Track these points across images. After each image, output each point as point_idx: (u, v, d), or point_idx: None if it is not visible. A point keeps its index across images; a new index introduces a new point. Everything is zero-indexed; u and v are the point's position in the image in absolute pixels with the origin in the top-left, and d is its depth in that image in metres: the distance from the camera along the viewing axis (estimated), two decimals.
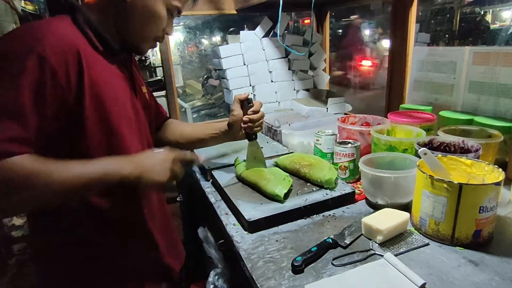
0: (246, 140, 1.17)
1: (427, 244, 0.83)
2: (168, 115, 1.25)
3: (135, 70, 0.94)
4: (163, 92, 2.57)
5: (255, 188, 1.07)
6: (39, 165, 0.65)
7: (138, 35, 0.83)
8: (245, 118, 1.11)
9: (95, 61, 0.75)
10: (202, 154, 1.02)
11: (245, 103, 1.12)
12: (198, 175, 1.34)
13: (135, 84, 0.91)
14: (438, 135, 1.14)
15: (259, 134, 1.37)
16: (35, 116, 0.65)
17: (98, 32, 0.77)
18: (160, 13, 0.81)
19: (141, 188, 0.85)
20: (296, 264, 0.76)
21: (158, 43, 0.90)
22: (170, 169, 0.82)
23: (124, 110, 0.83)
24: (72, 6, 0.77)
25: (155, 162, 0.80)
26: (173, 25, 0.90)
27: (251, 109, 1.11)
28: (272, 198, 1.00)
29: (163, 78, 2.02)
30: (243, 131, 1.15)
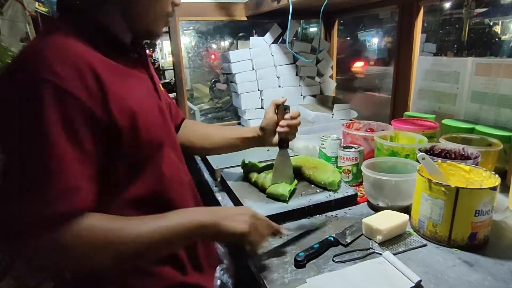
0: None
1: (425, 245, 0.86)
2: None
3: (151, 68, 0.86)
4: (172, 95, 2.64)
5: (261, 188, 1.12)
6: (111, 221, 0.61)
7: (150, 16, 0.73)
8: (282, 122, 1.04)
9: (113, 73, 0.65)
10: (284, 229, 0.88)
11: (281, 108, 1.06)
12: (206, 175, 1.39)
13: (155, 84, 0.83)
14: (439, 142, 1.18)
15: None
16: (76, 158, 0.57)
17: (106, 32, 0.69)
18: None
19: (220, 239, 0.81)
20: (298, 259, 0.80)
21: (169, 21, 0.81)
22: (250, 222, 0.74)
23: (152, 117, 0.74)
24: (73, 11, 0.68)
25: (233, 212, 0.75)
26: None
27: (289, 115, 1.04)
28: (277, 198, 1.05)
29: (171, 81, 2.08)
30: (276, 137, 1.09)
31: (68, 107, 0.56)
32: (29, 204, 0.53)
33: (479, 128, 1.27)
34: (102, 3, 0.68)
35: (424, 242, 0.87)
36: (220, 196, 1.19)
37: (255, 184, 1.16)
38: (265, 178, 1.12)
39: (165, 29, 0.85)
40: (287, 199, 1.03)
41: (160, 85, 0.90)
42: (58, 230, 0.54)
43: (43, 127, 0.54)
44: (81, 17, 0.67)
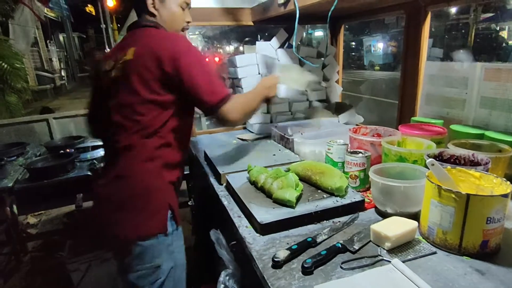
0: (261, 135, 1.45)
1: (435, 253, 0.85)
2: None
3: None
4: None
5: (268, 194, 1.11)
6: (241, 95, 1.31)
7: (174, 30, 1.23)
8: None
9: None
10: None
11: None
12: (212, 179, 1.38)
13: None
14: (448, 148, 1.16)
15: (271, 142, 1.47)
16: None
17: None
18: (179, 12, 1.22)
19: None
20: (306, 265, 0.79)
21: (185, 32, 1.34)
22: (274, 83, 1.35)
23: None
24: (154, 24, 1.19)
25: (270, 84, 1.34)
26: (191, 30, 1.20)
27: None
28: (284, 203, 1.04)
29: None
30: None
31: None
32: (222, 84, 1.16)
33: (488, 133, 1.25)
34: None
35: (434, 249, 0.86)
36: (226, 201, 1.19)
37: (261, 189, 1.15)
38: (272, 183, 1.11)
39: None
40: (294, 205, 1.03)
41: None
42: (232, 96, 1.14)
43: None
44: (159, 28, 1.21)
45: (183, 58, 1.06)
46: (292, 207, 1.03)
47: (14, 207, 1.81)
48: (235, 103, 1.12)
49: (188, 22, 1.26)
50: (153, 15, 1.18)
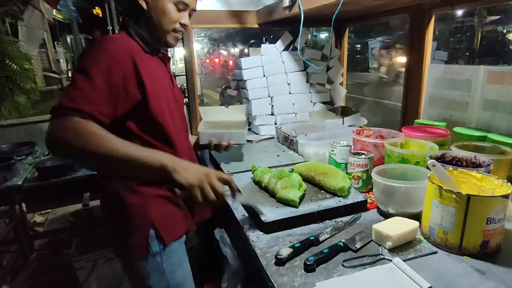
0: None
1: (435, 252, 0.86)
2: (188, 122, 1.43)
3: (169, 66, 1.21)
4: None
5: (272, 193, 1.13)
6: (101, 129, 0.84)
7: (160, 30, 1.06)
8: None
9: (144, 57, 1.02)
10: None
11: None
12: None
13: (171, 75, 1.18)
14: (451, 150, 1.18)
15: (275, 143, 1.45)
16: (106, 92, 0.88)
17: (144, 39, 1.05)
18: (169, 9, 1.04)
19: (171, 183, 0.89)
20: (308, 263, 0.81)
21: (180, 35, 1.12)
22: (204, 180, 0.87)
23: (165, 90, 1.08)
24: (125, 25, 1.07)
25: (192, 166, 0.89)
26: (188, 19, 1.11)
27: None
28: (288, 203, 1.06)
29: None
30: None
31: (112, 65, 0.90)
32: (75, 96, 0.85)
33: (491, 136, 1.26)
34: (137, 20, 1.07)
35: (435, 249, 0.87)
36: (231, 200, 1.21)
37: (265, 189, 1.17)
38: (276, 183, 1.13)
39: None
40: (297, 204, 1.04)
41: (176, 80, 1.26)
42: (75, 116, 0.82)
43: (96, 68, 0.89)
44: (129, 29, 1.05)
45: (82, 56, 0.93)
46: (295, 206, 1.04)
47: (23, 205, 1.85)
48: (78, 123, 0.82)
49: (184, 26, 1.08)
50: (140, 9, 1.03)
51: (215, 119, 1.66)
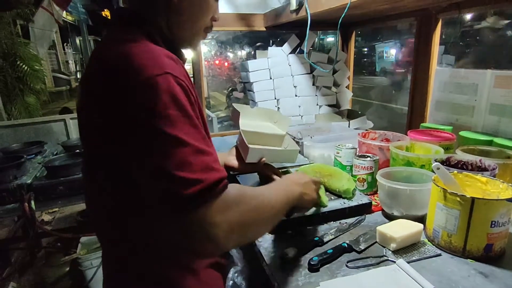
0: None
1: (439, 255, 0.86)
2: None
3: None
4: None
5: None
6: (251, 193, 0.68)
7: (190, 29, 0.79)
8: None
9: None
10: None
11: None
12: None
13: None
14: (456, 153, 1.18)
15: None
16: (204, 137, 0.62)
17: (170, 42, 0.76)
18: (209, 1, 0.78)
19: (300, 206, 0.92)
20: (312, 263, 0.82)
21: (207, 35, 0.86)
22: (316, 189, 0.94)
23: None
24: (139, 17, 0.73)
25: (305, 181, 0.91)
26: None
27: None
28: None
29: None
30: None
31: (185, 91, 0.61)
32: (192, 173, 0.57)
33: (497, 140, 1.26)
34: (155, 15, 0.74)
35: (439, 252, 0.87)
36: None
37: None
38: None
39: None
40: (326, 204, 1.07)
41: None
42: (216, 197, 0.58)
43: (186, 109, 0.59)
44: (144, 29, 0.71)
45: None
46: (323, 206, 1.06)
47: (32, 202, 1.88)
48: (234, 206, 0.61)
49: (214, 20, 0.83)
50: (167, 2, 0.72)
51: (253, 129, 1.21)
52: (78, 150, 2.29)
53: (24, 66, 4.68)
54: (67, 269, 2.50)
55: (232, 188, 0.62)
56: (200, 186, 0.56)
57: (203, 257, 0.76)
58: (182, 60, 0.82)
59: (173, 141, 0.57)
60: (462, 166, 1.11)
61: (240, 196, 0.63)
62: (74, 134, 2.76)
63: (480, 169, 1.07)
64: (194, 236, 0.59)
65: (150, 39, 0.69)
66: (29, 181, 1.89)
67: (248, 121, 1.27)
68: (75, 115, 2.86)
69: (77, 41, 15.52)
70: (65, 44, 12.97)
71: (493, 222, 0.80)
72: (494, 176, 0.98)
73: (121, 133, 0.60)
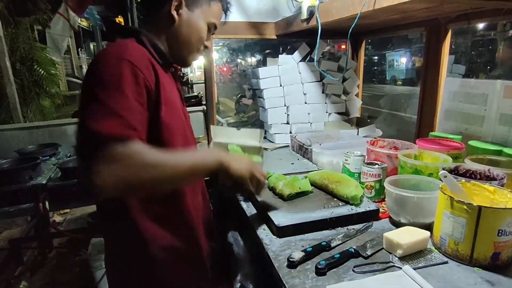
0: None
1: (446, 262, 0.87)
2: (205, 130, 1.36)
3: (179, 83, 1.11)
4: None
5: (287, 198, 1.16)
6: (153, 150, 0.76)
7: (186, 49, 0.99)
8: None
9: (160, 70, 0.90)
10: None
11: None
12: None
13: (181, 93, 1.07)
14: (465, 163, 1.18)
15: (290, 151, 1.42)
16: (138, 109, 0.78)
17: (158, 50, 0.94)
18: (202, 29, 0.98)
19: (225, 178, 0.91)
20: (319, 267, 0.83)
21: (201, 56, 1.07)
22: (251, 170, 0.94)
23: (178, 111, 0.97)
24: (136, 31, 0.93)
25: (240, 158, 0.95)
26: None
27: None
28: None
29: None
30: None
31: (137, 77, 0.78)
32: (108, 124, 0.71)
33: (507, 150, 1.26)
34: (157, 32, 0.96)
35: (445, 259, 0.88)
36: (245, 205, 1.25)
37: (279, 195, 1.20)
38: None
39: None
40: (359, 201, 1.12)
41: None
42: (123, 145, 0.71)
43: (123, 84, 0.76)
44: (143, 38, 0.92)
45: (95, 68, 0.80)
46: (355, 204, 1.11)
47: (46, 203, 1.93)
48: (128, 159, 0.72)
49: (206, 48, 1.03)
50: (169, 21, 0.93)
51: (226, 140, 1.52)
52: None
53: (40, 70, 4.82)
54: (77, 269, 2.54)
55: (130, 145, 0.72)
56: (96, 136, 0.70)
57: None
58: (171, 68, 1.01)
59: (96, 100, 0.73)
60: (470, 175, 1.12)
61: (130, 153, 0.72)
62: None
63: (489, 178, 1.08)
64: (86, 178, 0.70)
65: (140, 43, 0.89)
66: (44, 182, 1.95)
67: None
68: None
69: (91, 46, 15.86)
70: (79, 49, 13.28)
71: (500, 231, 0.81)
72: (502, 186, 0.99)
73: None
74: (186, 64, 1.04)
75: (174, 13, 0.93)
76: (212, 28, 1.02)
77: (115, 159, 0.70)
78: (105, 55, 0.81)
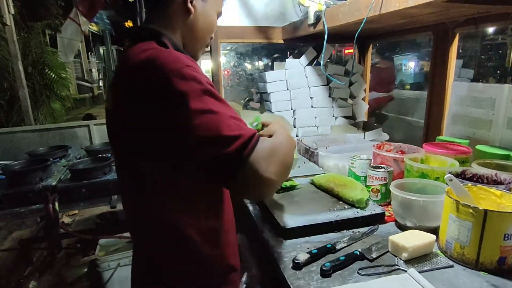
0: None
1: (452, 266, 0.87)
2: None
3: None
4: None
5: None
6: (272, 139, 0.79)
7: (199, 42, 0.93)
8: None
9: None
10: None
11: None
12: None
13: None
14: (472, 167, 1.18)
15: (296, 154, 1.43)
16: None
17: (179, 50, 0.83)
18: (215, 19, 0.94)
19: None
20: (324, 269, 0.84)
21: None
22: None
23: None
24: (157, 32, 0.83)
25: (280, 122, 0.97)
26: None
27: None
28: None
29: None
30: None
31: (208, 80, 0.72)
32: (242, 127, 0.70)
33: None
34: (172, 28, 0.87)
35: (451, 263, 0.88)
36: (252, 207, 1.26)
37: (277, 191, 1.22)
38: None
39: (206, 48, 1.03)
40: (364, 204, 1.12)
41: None
42: (260, 139, 0.72)
43: (210, 90, 0.70)
44: (165, 40, 0.82)
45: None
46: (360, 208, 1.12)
47: (56, 204, 1.97)
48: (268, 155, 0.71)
49: (211, 38, 0.98)
50: (185, 14, 0.86)
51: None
52: (100, 155, 2.38)
53: (51, 73, 4.91)
54: (85, 270, 2.57)
55: (263, 139, 0.73)
56: (241, 140, 0.67)
57: (259, 199, 0.98)
58: None
59: (206, 114, 0.67)
60: (477, 179, 1.11)
61: (273, 143, 0.75)
62: (97, 139, 2.87)
63: (496, 182, 1.07)
64: (249, 185, 0.69)
65: (160, 45, 0.80)
66: (54, 183, 1.98)
67: None
68: (98, 121, 2.98)
69: (101, 51, 16.10)
70: (89, 53, 13.49)
71: (507, 235, 0.81)
72: (510, 190, 0.98)
73: (156, 122, 0.69)
74: (196, 58, 0.96)
75: (189, 5, 0.85)
76: (219, 17, 0.97)
77: (269, 151, 0.71)
78: (167, 68, 0.69)
